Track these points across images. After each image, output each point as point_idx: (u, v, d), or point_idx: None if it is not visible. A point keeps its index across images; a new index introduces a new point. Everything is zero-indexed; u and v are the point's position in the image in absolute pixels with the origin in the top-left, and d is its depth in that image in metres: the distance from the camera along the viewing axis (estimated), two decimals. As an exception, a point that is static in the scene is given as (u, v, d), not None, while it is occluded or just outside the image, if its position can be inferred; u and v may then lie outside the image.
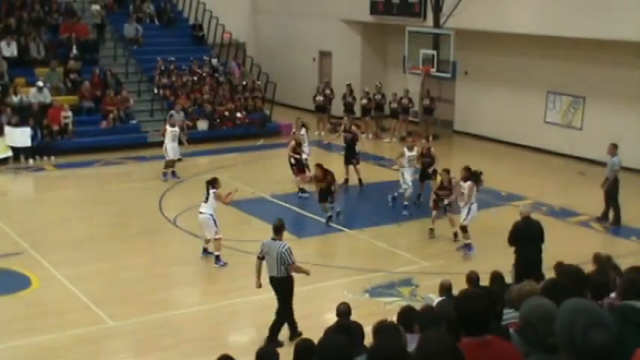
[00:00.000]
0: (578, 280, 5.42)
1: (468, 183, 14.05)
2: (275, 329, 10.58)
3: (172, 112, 21.71)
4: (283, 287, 10.59)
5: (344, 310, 8.34)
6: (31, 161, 20.82)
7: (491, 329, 4.14)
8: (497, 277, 9.49)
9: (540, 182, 19.91)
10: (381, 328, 5.53)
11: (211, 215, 13.47)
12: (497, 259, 11.97)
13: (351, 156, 18.82)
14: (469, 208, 14.08)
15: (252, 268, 13.65)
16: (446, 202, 14.74)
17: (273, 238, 10.57)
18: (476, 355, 3.72)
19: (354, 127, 19.28)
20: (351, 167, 18.84)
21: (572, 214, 16.71)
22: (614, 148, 16.10)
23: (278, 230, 10.65)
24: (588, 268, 8.38)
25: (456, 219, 14.78)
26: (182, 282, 13.37)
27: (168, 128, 19.36)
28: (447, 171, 15.31)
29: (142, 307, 11.80)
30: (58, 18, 25.50)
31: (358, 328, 7.78)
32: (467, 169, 14.34)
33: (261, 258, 10.68)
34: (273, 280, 10.60)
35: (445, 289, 9.04)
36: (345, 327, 6.80)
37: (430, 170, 16.83)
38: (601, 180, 17.44)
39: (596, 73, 20.90)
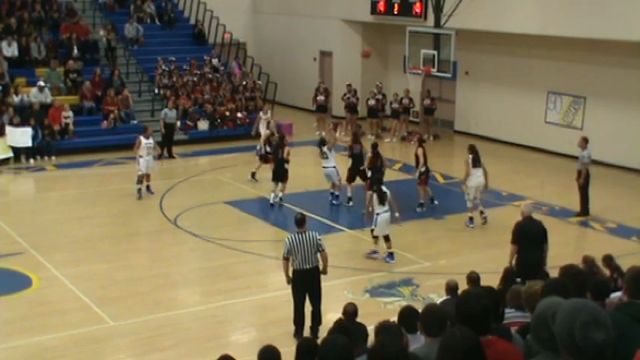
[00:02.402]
0: (579, 280, 5.42)
1: (368, 192, 13.68)
2: (316, 326, 10.63)
3: (166, 110, 21.72)
4: (318, 277, 10.60)
5: (351, 311, 8.34)
6: (31, 161, 20.82)
7: (493, 329, 4.14)
8: (510, 273, 9.50)
9: (540, 182, 19.92)
10: (383, 328, 5.53)
11: (334, 167, 17.05)
12: (497, 259, 11.97)
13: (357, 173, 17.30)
14: (374, 218, 13.59)
15: (253, 267, 13.76)
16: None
17: (298, 232, 10.50)
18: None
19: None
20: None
21: (573, 214, 16.70)
22: (584, 142, 16.24)
23: (303, 222, 10.64)
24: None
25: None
26: (183, 282, 13.37)
27: (143, 141, 17.49)
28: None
29: (143, 307, 11.80)
30: (58, 18, 25.52)
31: (362, 329, 7.80)
32: (370, 179, 14.08)
33: (287, 258, 10.55)
34: (307, 273, 10.47)
35: (451, 289, 9.02)
36: (343, 327, 6.80)
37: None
38: (602, 180, 17.49)
39: (597, 74, 20.90)
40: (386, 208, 13.54)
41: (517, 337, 4.63)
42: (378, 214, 13.50)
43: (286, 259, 10.54)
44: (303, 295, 10.62)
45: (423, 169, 16.61)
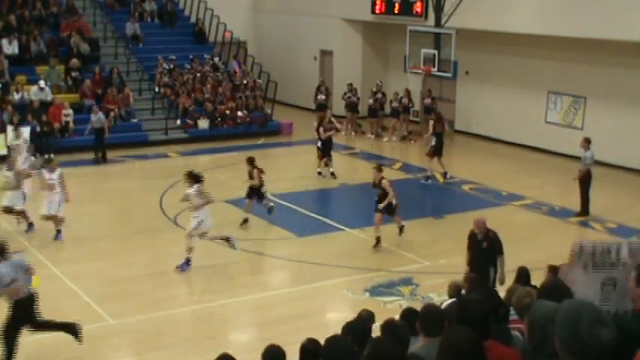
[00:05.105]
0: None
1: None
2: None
3: (91, 115, 20.88)
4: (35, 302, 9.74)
5: (366, 317, 7.86)
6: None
7: (493, 331, 4.14)
8: (523, 272, 9.49)
9: (541, 182, 19.93)
10: (388, 327, 5.47)
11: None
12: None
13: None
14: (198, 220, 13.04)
15: (252, 266, 13.77)
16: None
17: (5, 260, 9.55)
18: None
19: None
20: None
21: (573, 214, 16.70)
22: (587, 143, 16.31)
23: (5, 250, 9.68)
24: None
25: None
26: (182, 280, 13.37)
27: (46, 176, 14.54)
28: None
29: (143, 305, 11.81)
30: (59, 16, 25.52)
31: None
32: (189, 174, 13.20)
33: (8, 284, 9.33)
34: (29, 299, 9.56)
35: (457, 290, 8.93)
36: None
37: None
38: (602, 180, 17.46)
39: (597, 73, 20.91)
40: None
41: (517, 338, 4.62)
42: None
43: (8, 285, 9.42)
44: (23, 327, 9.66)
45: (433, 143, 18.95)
